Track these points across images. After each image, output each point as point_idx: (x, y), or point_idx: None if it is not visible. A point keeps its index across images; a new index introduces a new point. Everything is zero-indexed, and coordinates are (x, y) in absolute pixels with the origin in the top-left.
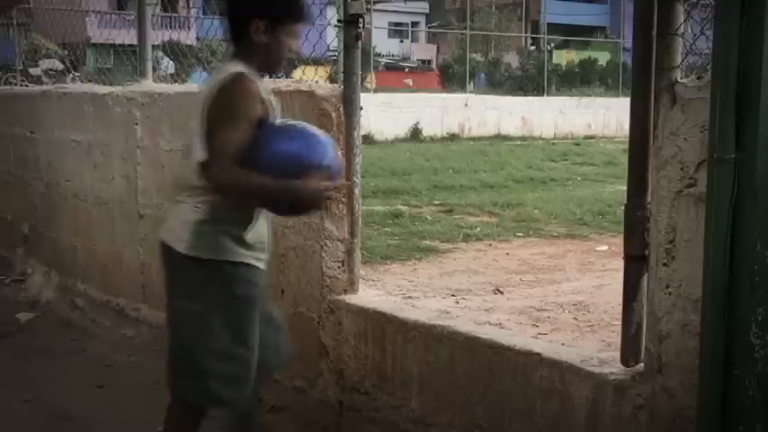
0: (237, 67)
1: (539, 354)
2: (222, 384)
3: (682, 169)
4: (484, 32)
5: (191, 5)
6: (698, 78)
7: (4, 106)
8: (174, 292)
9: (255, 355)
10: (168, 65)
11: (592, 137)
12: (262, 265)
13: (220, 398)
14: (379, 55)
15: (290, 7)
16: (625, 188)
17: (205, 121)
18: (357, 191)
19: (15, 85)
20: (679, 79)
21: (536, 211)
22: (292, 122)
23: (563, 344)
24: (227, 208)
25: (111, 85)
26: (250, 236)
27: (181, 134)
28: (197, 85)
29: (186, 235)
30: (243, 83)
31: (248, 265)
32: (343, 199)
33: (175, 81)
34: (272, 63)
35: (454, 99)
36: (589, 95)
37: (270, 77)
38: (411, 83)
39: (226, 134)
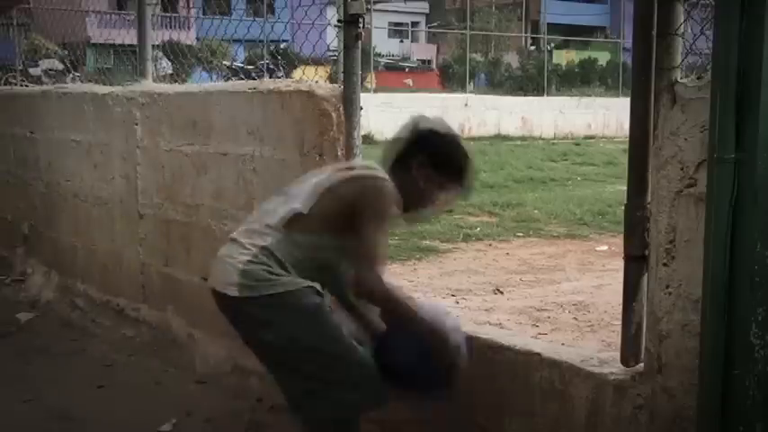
0: (389, 181)
1: (539, 354)
2: (350, 389)
3: (682, 169)
4: (484, 32)
5: (191, 5)
6: (698, 78)
7: (4, 106)
8: (255, 332)
9: (359, 349)
10: (166, 65)
11: (592, 137)
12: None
13: (354, 402)
14: (379, 55)
15: (459, 176)
16: (625, 188)
17: (346, 201)
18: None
19: (15, 85)
20: (679, 79)
21: (536, 211)
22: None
23: (563, 344)
24: (291, 258)
25: (110, 85)
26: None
27: (181, 134)
28: (197, 85)
29: (236, 278)
30: (394, 199)
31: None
32: None
33: (175, 81)
34: (413, 203)
35: (454, 99)
36: (589, 95)
37: (270, 77)
38: (411, 83)
39: (377, 237)
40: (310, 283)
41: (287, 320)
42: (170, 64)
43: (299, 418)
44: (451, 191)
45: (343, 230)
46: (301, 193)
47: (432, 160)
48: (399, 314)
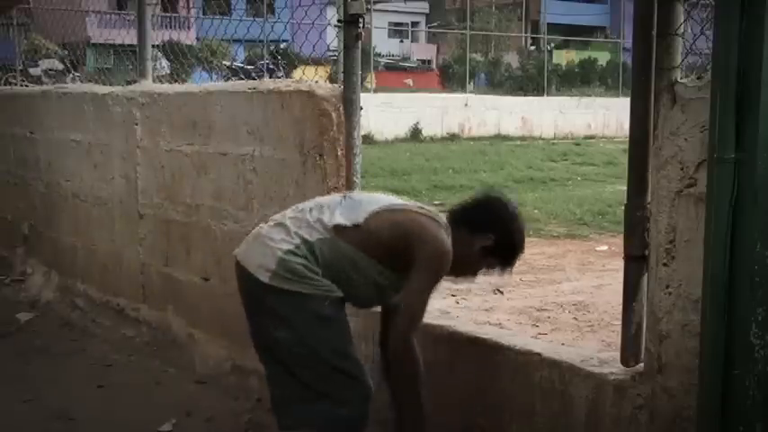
0: (450, 236)
1: (539, 354)
2: (340, 404)
3: (682, 169)
4: (484, 32)
5: (191, 5)
6: (698, 78)
7: (4, 106)
8: (269, 323)
9: (363, 368)
10: (164, 65)
11: (592, 137)
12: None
13: (342, 418)
14: (379, 55)
15: (510, 264)
16: (625, 188)
17: (397, 232)
18: (357, 191)
19: (15, 85)
20: (679, 79)
21: (536, 211)
22: None
23: (563, 344)
24: (328, 264)
25: (109, 85)
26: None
27: (181, 134)
28: (197, 85)
29: (273, 265)
30: (449, 260)
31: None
32: None
33: (175, 81)
34: (458, 270)
35: (454, 99)
36: (589, 95)
37: (270, 77)
38: (411, 83)
39: (426, 294)
40: (338, 293)
41: (304, 323)
42: (168, 64)
43: (280, 420)
44: (494, 270)
45: (388, 260)
46: (366, 206)
47: (497, 243)
48: (411, 396)
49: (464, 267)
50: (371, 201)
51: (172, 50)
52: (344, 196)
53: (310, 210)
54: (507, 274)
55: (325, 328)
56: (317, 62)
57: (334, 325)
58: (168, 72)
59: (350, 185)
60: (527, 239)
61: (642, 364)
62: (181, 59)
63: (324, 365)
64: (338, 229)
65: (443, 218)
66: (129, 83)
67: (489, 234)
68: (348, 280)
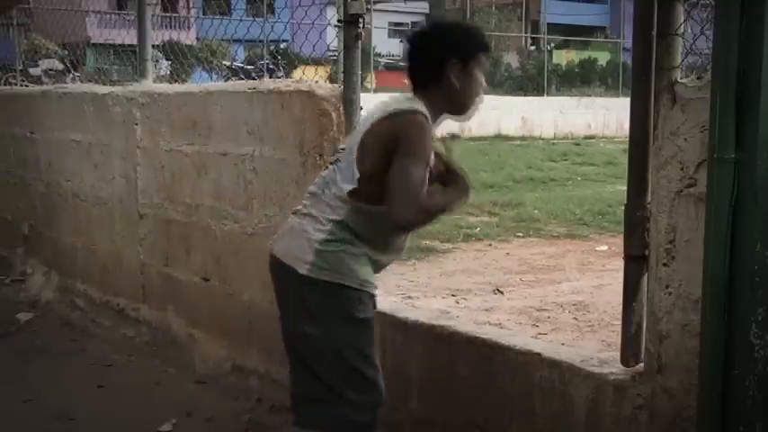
0: (418, 105)
1: (539, 354)
2: (356, 409)
3: (682, 169)
4: (484, 32)
5: (191, 5)
6: (698, 78)
7: (4, 106)
8: (298, 316)
9: (380, 372)
10: (164, 65)
11: (592, 137)
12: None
13: (356, 423)
14: (379, 55)
15: (482, 42)
16: (625, 188)
17: (376, 148)
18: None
19: (15, 85)
20: (679, 79)
21: (536, 211)
22: None
23: (563, 344)
24: (368, 229)
25: (104, 84)
26: (385, 258)
27: (181, 134)
28: (197, 85)
29: (311, 257)
30: (427, 127)
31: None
32: None
33: (175, 81)
34: (464, 104)
35: None
36: (589, 95)
37: (270, 77)
38: None
39: (411, 172)
40: (371, 289)
41: (333, 318)
42: (168, 64)
43: (298, 418)
44: (483, 66)
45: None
46: (350, 156)
47: (459, 58)
48: (440, 213)
49: (468, 98)
50: (352, 145)
51: (172, 50)
52: (336, 159)
53: (322, 191)
54: (487, 62)
55: (352, 326)
56: (317, 62)
57: (362, 325)
58: (168, 72)
59: None
60: (527, 240)
61: (642, 364)
62: (181, 59)
63: (345, 366)
64: (352, 194)
65: (413, 97)
66: (113, 82)
67: (452, 60)
68: (387, 234)
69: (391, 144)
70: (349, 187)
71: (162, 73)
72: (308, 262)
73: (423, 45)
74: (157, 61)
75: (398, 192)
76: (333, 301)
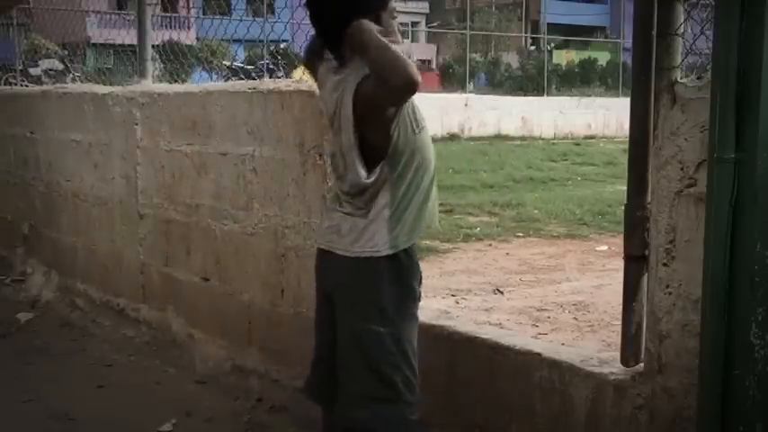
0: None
1: (539, 354)
2: (411, 408)
3: (682, 169)
4: (484, 32)
5: (191, 5)
6: (698, 78)
7: (4, 106)
8: (359, 309)
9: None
10: (158, 67)
11: (592, 137)
12: None
13: (411, 424)
14: None
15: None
16: (625, 188)
17: (361, 108)
18: None
19: (15, 85)
20: (679, 79)
21: (536, 211)
22: None
23: (563, 344)
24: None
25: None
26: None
27: (181, 134)
28: (197, 85)
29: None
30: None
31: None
32: None
33: (175, 81)
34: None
35: (454, 99)
36: (589, 95)
37: (270, 77)
38: None
39: (383, 48)
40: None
41: (402, 320)
42: (162, 67)
43: (352, 417)
44: (391, 4)
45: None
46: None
47: (362, 15)
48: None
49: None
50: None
51: (172, 50)
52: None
53: (338, 177)
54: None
55: (409, 322)
56: None
57: (414, 323)
58: (159, 74)
59: None
60: (527, 239)
61: (642, 364)
62: (181, 59)
63: (399, 356)
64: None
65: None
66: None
67: (367, 16)
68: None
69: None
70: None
71: (155, 74)
72: (353, 242)
73: (329, 11)
74: (154, 62)
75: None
76: (381, 276)
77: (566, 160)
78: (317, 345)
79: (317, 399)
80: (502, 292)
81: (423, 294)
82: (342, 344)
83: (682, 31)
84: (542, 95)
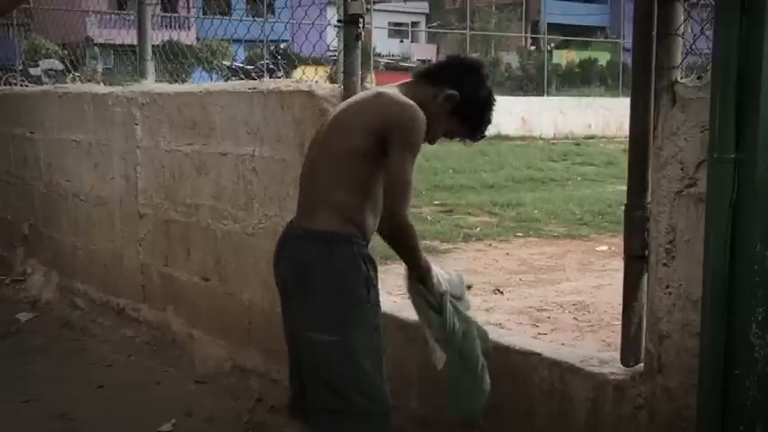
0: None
1: (539, 354)
2: (372, 418)
3: (682, 169)
4: (484, 32)
5: (191, 5)
6: (698, 78)
7: (4, 106)
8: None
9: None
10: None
11: (592, 137)
12: None
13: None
14: (380, 55)
15: (476, 130)
16: (625, 188)
17: (388, 125)
18: None
19: (15, 85)
20: (679, 79)
21: (536, 211)
22: None
23: (563, 344)
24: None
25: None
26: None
27: (181, 134)
28: (197, 85)
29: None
30: (422, 126)
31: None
32: None
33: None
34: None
35: None
36: (589, 95)
37: (270, 77)
38: None
39: (408, 167)
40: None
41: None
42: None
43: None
44: (458, 134)
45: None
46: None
47: (464, 102)
48: (413, 249)
49: (431, 127)
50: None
51: (172, 50)
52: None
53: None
54: (472, 142)
55: (369, 335)
56: (317, 62)
57: (378, 334)
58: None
59: None
60: (527, 239)
61: (642, 364)
62: (181, 59)
63: (350, 366)
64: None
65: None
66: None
67: (454, 89)
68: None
69: (392, 126)
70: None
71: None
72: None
73: (466, 71)
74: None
75: (397, 188)
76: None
77: (566, 160)
78: (289, 357)
79: (296, 415)
80: (502, 292)
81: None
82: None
83: (682, 31)
84: (542, 95)
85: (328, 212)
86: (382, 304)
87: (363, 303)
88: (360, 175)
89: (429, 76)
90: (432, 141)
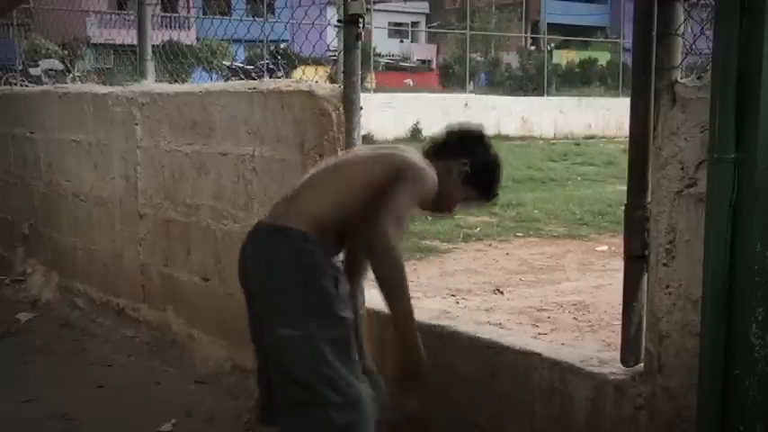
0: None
1: (539, 354)
2: (340, 409)
3: (682, 169)
4: (484, 32)
5: (191, 5)
6: (698, 78)
7: (4, 106)
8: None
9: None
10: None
11: (592, 137)
12: None
13: (338, 427)
14: (380, 55)
15: (489, 195)
16: (625, 188)
17: (395, 166)
18: None
19: (15, 85)
20: (679, 79)
21: (536, 211)
22: None
23: (563, 344)
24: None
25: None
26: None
27: (181, 134)
28: (197, 85)
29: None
30: (433, 182)
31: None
32: None
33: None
34: (438, 204)
35: (454, 99)
36: (589, 95)
37: (270, 77)
38: (411, 83)
39: (408, 203)
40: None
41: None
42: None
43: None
44: (473, 202)
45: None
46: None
47: (474, 169)
48: (401, 292)
49: (444, 198)
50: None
51: (172, 50)
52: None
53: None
54: (487, 207)
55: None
56: (317, 62)
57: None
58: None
59: None
60: (527, 239)
61: (642, 364)
62: (181, 59)
63: (314, 357)
64: None
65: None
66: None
67: (463, 159)
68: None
69: (401, 170)
70: None
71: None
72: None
73: (472, 142)
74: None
75: (391, 213)
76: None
77: (566, 160)
78: (255, 356)
79: (265, 419)
80: (502, 292)
81: (422, 294)
82: (267, 351)
83: (682, 31)
84: (542, 95)
85: (301, 216)
86: (382, 305)
87: (330, 297)
88: (352, 203)
89: (437, 153)
90: (451, 210)
